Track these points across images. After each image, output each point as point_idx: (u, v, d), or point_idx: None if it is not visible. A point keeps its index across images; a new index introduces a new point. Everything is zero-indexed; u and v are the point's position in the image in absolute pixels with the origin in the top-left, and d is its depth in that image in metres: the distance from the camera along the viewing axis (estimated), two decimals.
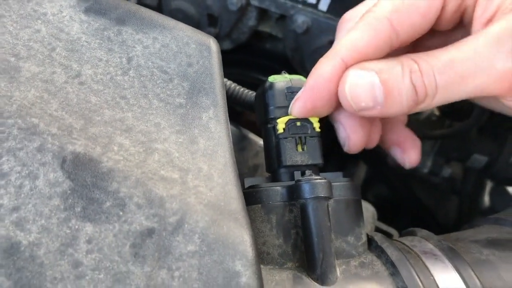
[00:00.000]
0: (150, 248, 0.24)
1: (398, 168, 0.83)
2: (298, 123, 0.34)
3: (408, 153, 0.44)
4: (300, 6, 0.56)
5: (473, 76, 0.33)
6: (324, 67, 0.35)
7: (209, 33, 0.63)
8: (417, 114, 0.64)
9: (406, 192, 0.87)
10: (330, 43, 0.57)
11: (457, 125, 0.64)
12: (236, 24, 0.62)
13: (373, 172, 0.88)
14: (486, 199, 0.85)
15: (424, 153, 0.71)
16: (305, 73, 0.60)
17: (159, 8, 0.62)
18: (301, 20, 0.56)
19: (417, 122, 0.66)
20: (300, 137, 0.34)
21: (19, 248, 0.23)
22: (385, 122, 0.45)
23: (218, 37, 0.64)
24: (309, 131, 0.34)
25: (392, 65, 0.34)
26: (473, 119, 0.61)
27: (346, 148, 0.40)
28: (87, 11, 0.33)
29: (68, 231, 0.24)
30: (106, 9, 0.33)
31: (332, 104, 0.36)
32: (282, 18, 0.59)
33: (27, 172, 0.25)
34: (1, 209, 0.24)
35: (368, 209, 0.52)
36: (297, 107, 0.34)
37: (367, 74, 0.34)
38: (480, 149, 0.69)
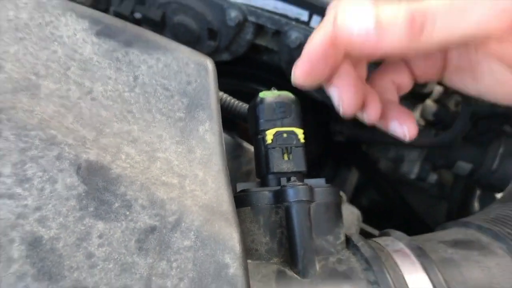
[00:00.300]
0: (152, 243, 0.28)
1: (388, 175, 0.87)
2: (285, 135, 0.38)
3: (407, 124, 0.44)
4: (293, 23, 0.60)
5: (473, 9, 0.32)
6: (318, 34, 0.37)
7: (209, 46, 0.67)
8: None
9: (396, 198, 0.91)
10: None
11: (441, 134, 0.68)
12: (235, 38, 0.66)
13: (365, 178, 0.91)
14: (476, 204, 0.88)
15: (411, 160, 0.75)
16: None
17: (162, 22, 0.66)
18: (294, 36, 0.61)
19: None
20: (286, 147, 0.38)
21: (41, 241, 0.27)
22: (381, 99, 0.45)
23: (217, 50, 0.68)
24: (294, 142, 0.38)
25: None
26: (455, 129, 0.65)
27: (341, 111, 0.41)
28: (98, 34, 0.37)
29: (82, 227, 0.28)
30: (115, 32, 0.37)
31: (327, 67, 0.37)
32: (277, 33, 0.63)
33: (47, 177, 0.29)
34: (26, 209, 0.28)
35: (354, 212, 0.56)
36: (297, 74, 0.37)
37: (360, 1, 0.33)
38: (464, 156, 0.73)
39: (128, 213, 0.28)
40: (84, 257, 0.27)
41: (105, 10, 0.71)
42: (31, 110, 0.31)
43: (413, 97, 0.65)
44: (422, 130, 0.69)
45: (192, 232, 0.28)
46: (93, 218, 0.28)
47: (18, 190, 0.28)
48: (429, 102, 0.67)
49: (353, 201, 0.93)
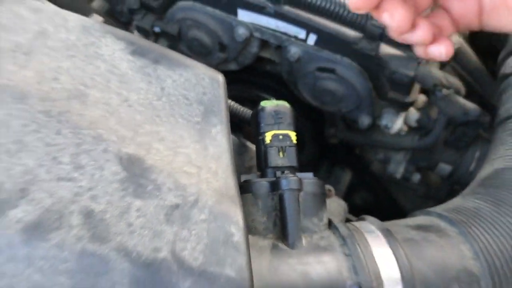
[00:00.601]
0: (176, 216, 0.36)
1: (379, 176, 0.95)
2: (281, 136, 0.47)
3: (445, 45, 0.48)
4: (293, 39, 0.69)
5: None
6: None
7: (219, 57, 0.76)
8: (389, 129, 0.76)
9: (386, 197, 1.00)
10: (317, 69, 0.70)
11: (423, 139, 0.77)
12: (242, 51, 0.75)
13: (357, 178, 1.00)
14: None
15: (397, 162, 0.83)
16: (298, 91, 0.73)
17: (178, 36, 0.75)
18: (293, 51, 0.69)
19: (390, 136, 0.79)
20: (281, 147, 0.47)
21: (93, 213, 0.36)
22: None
23: (226, 60, 0.77)
24: (288, 142, 0.47)
25: None
26: (434, 134, 0.73)
27: (391, 33, 0.45)
28: (132, 53, 0.46)
29: (124, 203, 0.36)
30: (145, 51, 0.46)
31: None
32: (279, 47, 0.72)
33: (97, 165, 0.37)
34: (81, 189, 0.36)
35: (340, 204, 0.65)
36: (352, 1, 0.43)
37: None
38: (445, 159, 0.81)
39: (158, 193, 0.37)
40: (126, 226, 0.36)
41: (127, 23, 0.81)
42: (82, 114, 0.40)
43: (398, 106, 0.73)
44: (406, 135, 0.78)
45: (207, 209, 0.37)
46: (132, 197, 0.37)
47: (75, 174, 0.37)
48: (412, 110, 0.75)
49: (346, 199, 1.01)
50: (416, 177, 0.84)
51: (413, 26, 0.47)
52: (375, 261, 0.42)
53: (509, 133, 0.56)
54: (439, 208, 0.51)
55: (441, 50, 0.48)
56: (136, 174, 0.38)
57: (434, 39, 0.48)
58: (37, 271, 0.34)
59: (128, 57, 0.45)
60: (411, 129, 0.77)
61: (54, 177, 0.37)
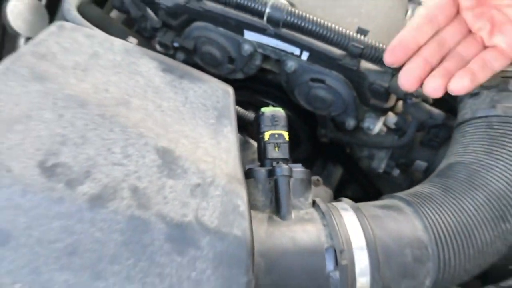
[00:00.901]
0: (198, 192, 0.50)
1: (366, 171, 1.08)
2: (276, 135, 0.60)
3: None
4: (289, 55, 0.82)
5: None
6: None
7: (227, 68, 0.89)
8: (371, 130, 0.88)
9: (373, 189, 1.13)
10: (310, 80, 0.83)
11: (400, 139, 0.90)
12: (247, 63, 0.88)
13: (347, 173, 1.13)
14: None
15: (380, 158, 0.96)
16: (294, 97, 0.87)
17: (194, 50, 0.89)
18: (290, 64, 0.82)
19: (373, 136, 0.92)
20: (277, 143, 0.60)
21: (138, 189, 0.49)
22: None
23: (234, 71, 0.90)
24: (282, 140, 0.60)
25: None
26: (408, 135, 0.86)
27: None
28: (163, 70, 0.59)
29: (160, 182, 0.50)
30: (173, 69, 0.59)
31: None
32: (278, 61, 0.85)
33: (140, 154, 0.51)
34: (129, 171, 0.50)
35: (327, 191, 0.78)
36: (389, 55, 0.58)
37: None
38: (421, 157, 0.94)
39: (185, 175, 0.50)
40: (162, 198, 0.49)
41: (150, 38, 0.94)
42: (127, 116, 0.54)
43: (378, 111, 0.86)
44: (386, 135, 0.91)
45: (220, 187, 0.51)
46: (166, 178, 0.50)
47: (124, 161, 0.50)
48: (391, 114, 0.88)
49: (338, 192, 1.14)
50: (396, 171, 0.96)
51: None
52: (347, 230, 0.55)
53: (461, 135, 0.69)
54: (401, 193, 0.64)
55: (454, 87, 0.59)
56: (168, 161, 0.51)
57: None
58: (98, 230, 0.48)
59: (160, 73, 0.59)
60: (390, 130, 0.90)
61: (109, 163, 0.50)
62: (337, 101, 0.84)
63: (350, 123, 0.88)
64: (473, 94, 0.71)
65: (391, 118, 0.88)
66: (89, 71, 0.57)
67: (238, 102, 0.71)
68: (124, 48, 0.60)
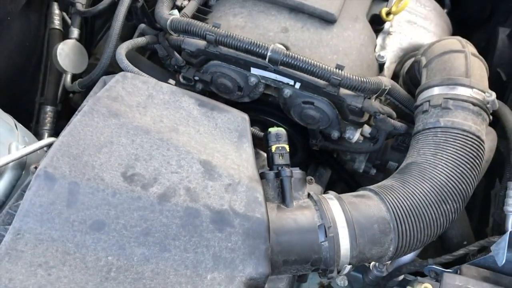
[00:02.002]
0: (230, 189, 0.71)
1: (351, 172, 1.30)
2: (280, 148, 0.82)
3: None
4: (286, 85, 1.04)
5: None
6: None
7: (237, 94, 1.11)
8: (351, 139, 1.10)
9: (356, 186, 1.34)
10: (302, 102, 1.05)
11: (374, 145, 1.12)
12: (253, 90, 1.10)
13: (336, 174, 1.35)
14: None
15: (360, 161, 1.19)
16: (291, 115, 1.09)
17: (210, 82, 1.10)
18: (286, 91, 1.05)
19: (353, 144, 1.14)
20: (281, 153, 0.82)
21: (190, 189, 0.71)
22: None
23: (242, 96, 1.12)
24: (284, 151, 0.82)
25: None
26: (379, 142, 1.08)
27: None
28: (199, 105, 0.81)
29: (204, 183, 0.71)
30: (206, 104, 0.81)
31: None
32: (277, 89, 1.08)
33: (189, 165, 0.73)
34: (183, 177, 0.71)
35: (318, 188, 0.99)
36: None
37: None
38: (392, 158, 1.16)
39: (220, 178, 0.72)
40: (206, 194, 0.71)
41: (174, 72, 1.16)
42: (177, 139, 0.75)
43: (356, 124, 1.08)
44: (363, 143, 1.13)
45: (245, 185, 0.72)
46: (208, 180, 0.72)
47: (179, 170, 0.72)
48: (366, 126, 1.10)
49: (329, 189, 1.36)
50: (373, 171, 1.19)
51: None
52: (332, 213, 0.77)
53: (416, 142, 0.91)
54: (372, 186, 0.86)
55: None
56: (208, 169, 0.73)
57: None
58: (164, 217, 0.69)
59: (197, 107, 0.81)
60: (366, 139, 1.12)
61: (169, 172, 0.72)
62: (323, 118, 1.06)
63: (335, 134, 1.10)
64: (424, 111, 0.93)
65: (366, 129, 1.10)
66: (147, 108, 0.78)
67: None
68: (170, 90, 0.82)
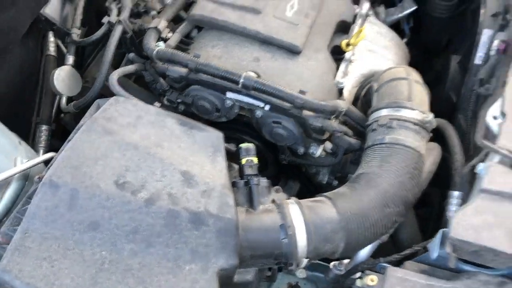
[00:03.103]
0: (206, 195, 0.84)
1: (317, 184, 1.44)
2: (249, 160, 0.95)
3: None
4: (257, 107, 1.18)
5: None
6: None
7: (215, 115, 1.25)
8: (314, 154, 1.24)
9: None
10: (272, 122, 1.19)
11: (335, 159, 1.26)
12: (229, 111, 1.24)
13: (304, 187, 1.49)
14: None
15: (323, 174, 1.32)
16: (262, 133, 1.23)
17: (192, 104, 1.24)
18: (258, 112, 1.19)
19: (317, 158, 1.28)
20: (250, 165, 0.95)
21: (172, 194, 0.84)
22: None
23: (219, 116, 1.26)
24: (253, 163, 0.95)
25: None
26: (339, 157, 1.23)
27: None
28: (180, 124, 0.94)
29: (184, 191, 0.84)
30: (186, 123, 0.95)
31: None
32: (250, 110, 1.22)
33: (171, 175, 0.86)
34: (166, 185, 0.84)
35: (283, 195, 1.12)
36: None
37: None
38: (351, 171, 1.29)
39: (197, 186, 0.85)
40: (185, 199, 0.84)
41: (159, 95, 1.30)
42: (162, 153, 0.88)
43: (318, 141, 1.22)
44: (325, 157, 1.27)
45: (218, 191, 0.85)
46: (187, 188, 0.85)
47: (163, 179, 0.85)
48: (328, 143, 1.24)
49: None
50: (335, 182, 1.33)
51: None
52: (292, 215, 0.91)
53: (366, 156, 1.06)
54: (327, 193, 1.00)
55: None
56: (188, 178, 0.86)
57: None
58: (150, 218, 0.82)
59: (178, 126, 0.94)
60: (328, 154, 1.26)
61: (154, 180, 0.85)
62: (290, 136, 1.20)
63: (301, 150, 1.24)
64: (373, 129, 1.08)
65: (328, 145, 1.24)
66: (137, 127, 0.92)
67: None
68: (156, 111, 0.95)
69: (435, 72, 1.84)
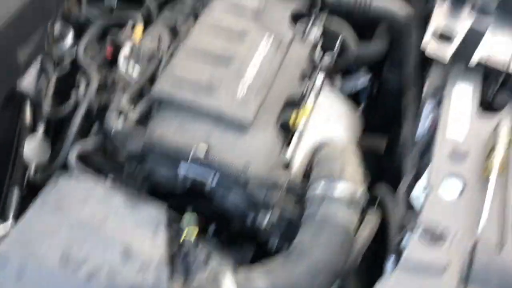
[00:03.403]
0: (144, 268, 0.93)
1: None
2: (190, 232, 1.04)
3: None
4: (208, 178, 1.28)
5: None
6: None
7: (170, 187, 1.34)
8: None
9: None
10: (222, 193, 1.28)
11: None
12: (182, 183, 1.33)
13: (258, 249, 1.56)
14: None
15: (273, 240, 1.40)
16: (215, 203, 1.33)
17: (147, 177, 1.34)
18: (207, 185, 1.28)
19: (263, 229, 1.36)
20: (191, 235, 1.04)
21: (99, 269, 0.92)
22: None
23: (173, 188, 1.35)
24: (193, 235, 1.04)
25: None
26: (282, 229, 1.31)
27: None
28: (125, 201, 1.04)
29: (119, 262, 0.93)
30: (131, 200, 1.04)
31: None
32: (202, 181, 1.31)
33: (109, 250, 0.94)
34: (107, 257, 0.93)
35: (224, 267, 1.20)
36: None
37: None
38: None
39: (136, 260, 0.94)
40: (124, 272, 0.92)
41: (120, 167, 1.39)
42: (105, 228, 0.97)
43: (265, 212, 1.31)
44: (271, 228, 1.35)
45: (154, 267, 0.94)
46: (125, 261, 0.93)
47: (104, 253, 0.93)
48: (273, 214, 1.33)
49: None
50: (286, 245, 1.40)
51: None
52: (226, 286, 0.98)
53: (301, 228, 1.15)
54: (265, 263, 1.08)
55: None
56: (127, 253, 0.94)
57: None
58: None
59: (123, 203, 1.03)
60: (273, 226, 1.34)
61: (96, 256, 0.93)
62: (237, 208, 1.30)
63: (248, 221, 1.33)
64: (309, 203, 1.18)
65: (273, 217, 1.32)
66: (85, 204, 1.01)
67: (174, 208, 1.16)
68: (104, 190, 1.06)
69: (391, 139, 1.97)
